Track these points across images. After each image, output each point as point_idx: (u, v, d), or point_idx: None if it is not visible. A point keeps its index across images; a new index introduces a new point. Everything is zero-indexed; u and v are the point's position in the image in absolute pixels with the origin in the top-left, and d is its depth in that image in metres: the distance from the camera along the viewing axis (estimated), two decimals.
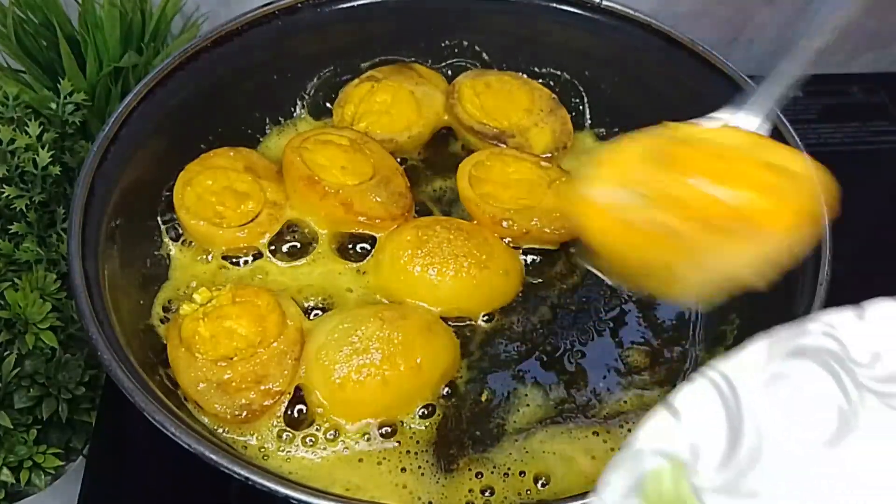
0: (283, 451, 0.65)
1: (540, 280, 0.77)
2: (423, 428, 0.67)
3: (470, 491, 0.64)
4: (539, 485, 0.65)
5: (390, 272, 0.74)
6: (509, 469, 0.66)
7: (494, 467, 0.66)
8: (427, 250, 0.72)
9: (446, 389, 0.70)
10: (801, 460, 0.46)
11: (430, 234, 0.73)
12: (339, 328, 0.67)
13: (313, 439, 0.66)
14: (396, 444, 0.66)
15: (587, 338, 0.74)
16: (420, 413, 0.68)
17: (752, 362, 0.47)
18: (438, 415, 0.68)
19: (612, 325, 0.75)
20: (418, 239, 0.73)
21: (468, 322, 0.74)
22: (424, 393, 0.68)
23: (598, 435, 0.68)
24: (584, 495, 0.55)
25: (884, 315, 0.49)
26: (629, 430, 0.68)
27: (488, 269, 0.73)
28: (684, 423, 0.44)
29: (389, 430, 0.67)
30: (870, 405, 0.47)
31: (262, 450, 0.65)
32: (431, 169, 0.86)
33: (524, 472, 0.65)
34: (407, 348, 0.67)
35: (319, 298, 0.74)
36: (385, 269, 0.74)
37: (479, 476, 0.65)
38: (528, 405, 0.69)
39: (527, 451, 0.67)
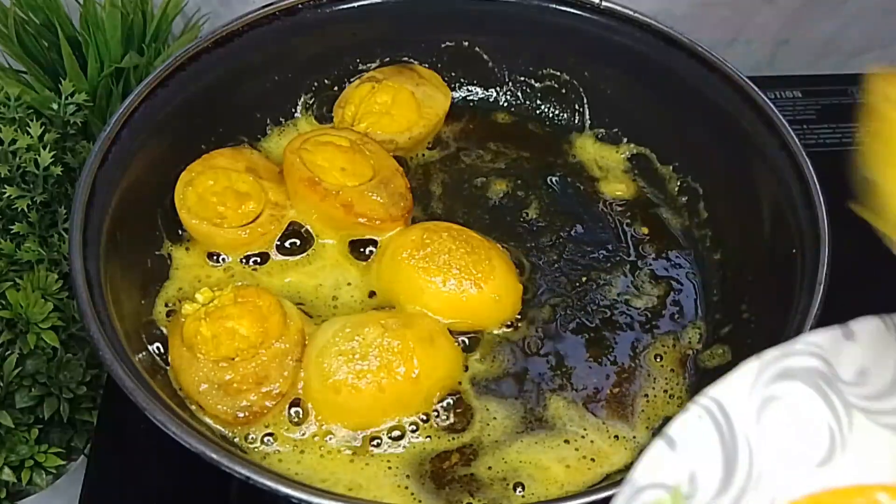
0: (284, 451, 0.66)
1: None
2: (421, 434, 0.67)
3: (458, 499, 0.65)
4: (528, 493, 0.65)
5: (386, 266, 0.74)
6: (499, 478, 0.66)
7: (484, 477, 0.66)
8: (425, 254, 0.72)
9: (448, 397, 0.69)
10: (796, 482, 0.46)
11: (434, 239, 0.73)
12: (340, 332, 0.67)
13: (314, 441, 0.66)
14: (397, 448, 0.66)
15: (582, 341, 0.74)
16: (419, 419, 0.68)
17: (743, 386, 0.47)
18: (437, 420, 0.68)
19: (607, 324, 0.75)
20: (422, 241, 0.73)
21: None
22: (423, 401, 0.68)
23: (568, 443, 0.68)
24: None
25: (869, 332, 0.49)
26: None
27: (481, 291, 0.71)
28: (680, 454, 0.44)
29: (390, 434, 0.67)
30: (858, 423, 0.47)
31: (264, 450, 0.66)
32: (432, 169, 0.86)
33: (519, 483, 0.66)
34: (406, 358, 0.66)
35: (321, 299, 0.74)
36: (382, 264, 0.74)
37: (471, 484, 0.65)
38: (515, 415, 0.69)
39: (506, 462, 0.66)
